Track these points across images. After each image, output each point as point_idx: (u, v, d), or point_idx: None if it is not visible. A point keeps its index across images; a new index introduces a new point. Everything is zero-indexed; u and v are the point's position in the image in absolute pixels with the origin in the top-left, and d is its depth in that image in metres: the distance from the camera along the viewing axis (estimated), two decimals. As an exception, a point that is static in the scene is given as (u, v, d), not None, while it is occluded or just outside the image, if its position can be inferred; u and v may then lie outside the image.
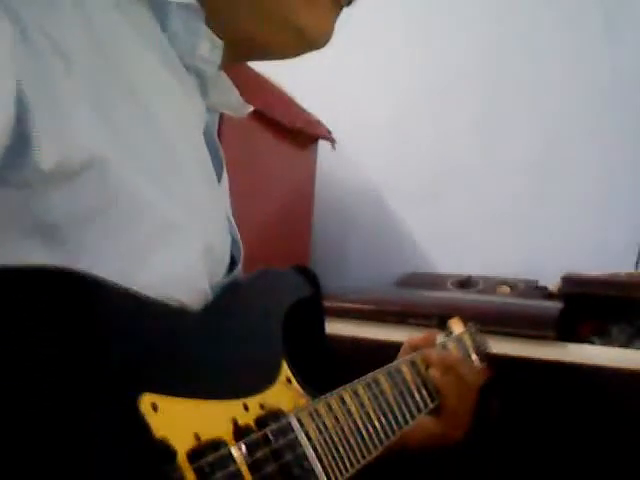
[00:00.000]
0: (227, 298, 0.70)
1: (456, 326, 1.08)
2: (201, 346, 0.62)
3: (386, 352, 1.00)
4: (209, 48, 0.73)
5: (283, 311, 0.77)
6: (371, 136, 2.27)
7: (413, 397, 0.89)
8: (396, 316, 1.49)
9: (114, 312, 0.53)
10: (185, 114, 0.73)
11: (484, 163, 2.19)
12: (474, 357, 1.07)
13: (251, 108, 0.84)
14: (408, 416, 0.86)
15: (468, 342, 1.07)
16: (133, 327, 0.55)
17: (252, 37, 0.76)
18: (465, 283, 1.88)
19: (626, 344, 1.45)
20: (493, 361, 1.17)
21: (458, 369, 0.98)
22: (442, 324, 1.08)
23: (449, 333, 1.07)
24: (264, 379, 0.70)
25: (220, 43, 0.74)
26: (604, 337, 1.47)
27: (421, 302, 1.61)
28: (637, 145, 2.04)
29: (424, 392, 0.92)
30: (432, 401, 0.94)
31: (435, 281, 1.92)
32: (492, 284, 1.87)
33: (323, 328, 0.88)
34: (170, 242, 0.63)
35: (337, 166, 2.26)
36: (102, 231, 0.58)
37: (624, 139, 2.05)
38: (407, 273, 2.06)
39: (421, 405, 0.91)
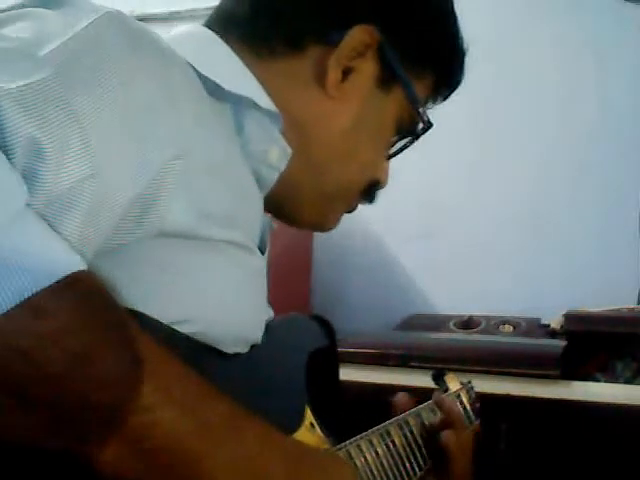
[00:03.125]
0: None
1: (452, 382, 1.08)
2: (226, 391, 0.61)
3: (389, 396, 1.00)
4: (278, 156, 0.73)
5: (305, 358, 0.78)
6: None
7: (420, 450, 0.90)
8: (398, 360, 1.49)
9: None
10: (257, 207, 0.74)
11: (482, 202, 2.20)
12: (471, 414, 1.07)
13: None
14: (416, 467, 0.87)
15: (465, 399, 1.07)
16: None
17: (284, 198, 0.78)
18: (467, 323, 1.86)
19: (631, 380, 1.44)
20: (498, 401, 1.16)
21: (466, 427, 1.00)
22: (437, 379, 1.07)
23: (446, 389, 1.07)
24: (289, 424, 0.70)
25: (290, 152, 0.74)
26: (608, 373, 1.46)
27: (423, 345, 1.60)
28: (637, 180, 2.05)
29: (430, 446, 0.92)
30: (430, 458, 0.93)
31: (437, 323, 1.91)
32: (494, 323, 1.86)
33: (338, 378, 0.89)
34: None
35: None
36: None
37: (623, 174, 2.06)
38: (408, 315, 2.05)
39: (427, 458, 0.91)
